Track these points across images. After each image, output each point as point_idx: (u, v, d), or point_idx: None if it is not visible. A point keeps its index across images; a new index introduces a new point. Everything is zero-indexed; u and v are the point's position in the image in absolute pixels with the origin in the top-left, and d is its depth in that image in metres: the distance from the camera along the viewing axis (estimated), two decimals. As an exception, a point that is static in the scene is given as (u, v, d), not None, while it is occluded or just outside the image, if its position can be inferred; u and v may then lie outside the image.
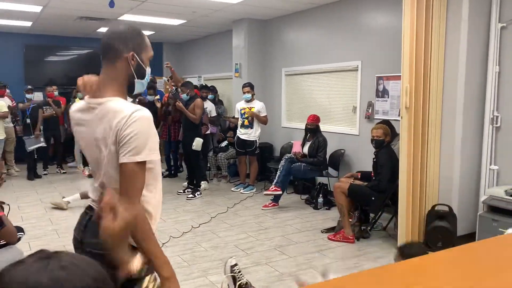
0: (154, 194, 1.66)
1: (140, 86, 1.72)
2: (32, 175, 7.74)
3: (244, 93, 6.73)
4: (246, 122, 6.76)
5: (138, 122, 1.52)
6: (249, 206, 6.08)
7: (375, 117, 5.74)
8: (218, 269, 3.91)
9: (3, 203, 3.51)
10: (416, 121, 4.33)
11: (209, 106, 7.87)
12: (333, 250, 4.40)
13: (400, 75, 4.42)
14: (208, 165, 7.75)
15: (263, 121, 6.75)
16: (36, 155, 7.82)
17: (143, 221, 1.53)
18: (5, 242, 3.31)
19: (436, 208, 4.40)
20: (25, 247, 3.82)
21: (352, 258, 4.21)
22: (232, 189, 7.00)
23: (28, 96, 7.96)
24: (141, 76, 1.70)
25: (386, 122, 5.12)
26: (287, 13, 7.17)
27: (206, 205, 6.07)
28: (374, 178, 4.75)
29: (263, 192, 6.11)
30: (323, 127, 6.18)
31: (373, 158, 4.81)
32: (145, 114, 1.55)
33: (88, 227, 1.68)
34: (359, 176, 5.02)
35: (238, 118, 6.91)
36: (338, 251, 4.38)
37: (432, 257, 2.38)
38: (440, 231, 4.31)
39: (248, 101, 6.74)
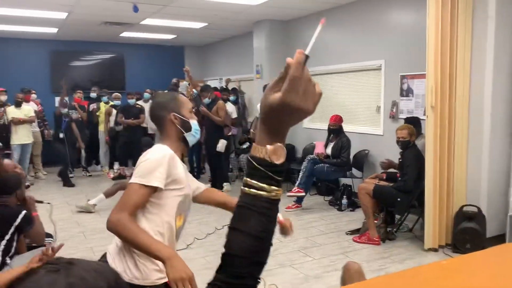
0: (151, 227, 1.78)
1: (191, 138, 1.95)
2: (70, 181, 7.71)
3: None
4: None
5: (152, 152, 1.80)
6: (272, 207, 6.05)
7: (400, 117, 5.65)
8: (242, 271, 3.90)
9: (41, 202, 3.58)
10: (442, 120, 4.24)
11: (230, 108, 7.90)
12: (358, 252, 4.34)
13: (424, 74, 4.34)
14: (230, 167, 7.77)
15: None
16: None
17: (122, 228, 1.66)
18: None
19: (464, 209, 4.29)
20: (53, 249, 3.88)
21: (377, 260, 4.14)
22: (255, 190, 6.98)
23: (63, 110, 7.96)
24: (188, 129, 1.93)
25: (414, 119, 5.03)
26: (309, 13, 7.14)
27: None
28: (400, 178, 4.67)
29: (286, 194, 6.07)
30: (346, 127, 6.11)
31: (399, 158, 4.73)
32: (164, 149, 1.82)
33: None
34: (384, 177, 4.94)
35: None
36: (363, 253, 4.32)
37: (461, 260, 2.32)
38: (469, 232, 4.21)
39: None
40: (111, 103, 8.34)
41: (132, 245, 1.68)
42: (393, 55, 5.78)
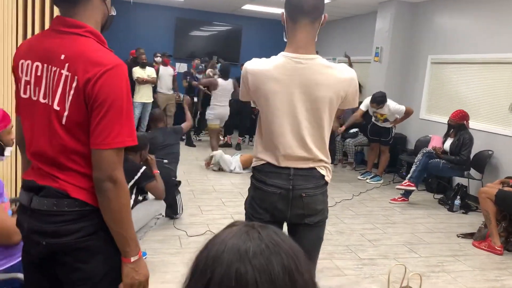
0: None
1: None
2: (192, 142, 8.46)
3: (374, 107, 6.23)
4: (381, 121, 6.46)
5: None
6: (375, 197, 5.85)
7: (537, 119, 5.04)
8: (343, 254, 3.84)
9: (162, 159, 3.84)
10: None
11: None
12: (470, 258, 4.01)
13: None
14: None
15: (409, 114, 6.31)
16: None
17: None
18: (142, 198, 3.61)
19: None
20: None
21: (492, 270, 3.79)
22: (359, 177, 6.79)
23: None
24: None
25: None
26: (442, -3, 6.60)
27: (330, 189, 5.89)
28: (528, 186, 4.19)
29: (396, 186, 5.76)
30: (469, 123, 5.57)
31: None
32: None
33: (296, 176, 1.93)
34: (511, 183, 4.47)
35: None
36: (476, 260, 3.99)
37: None
38: None
39: None
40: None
41: None
42: (539, 48, 5.13)
